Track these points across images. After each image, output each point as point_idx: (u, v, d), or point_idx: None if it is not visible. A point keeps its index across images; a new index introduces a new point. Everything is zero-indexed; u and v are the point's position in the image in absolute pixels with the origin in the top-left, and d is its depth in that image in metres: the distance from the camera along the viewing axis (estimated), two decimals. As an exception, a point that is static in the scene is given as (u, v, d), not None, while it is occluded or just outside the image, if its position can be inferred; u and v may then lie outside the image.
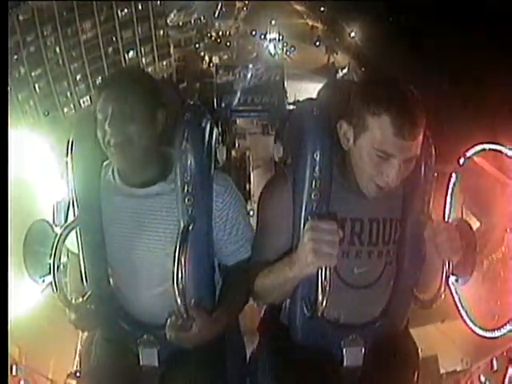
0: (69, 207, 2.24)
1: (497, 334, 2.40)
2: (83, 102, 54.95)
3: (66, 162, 2.19)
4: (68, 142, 2.17)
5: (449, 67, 41.39)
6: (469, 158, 2.42)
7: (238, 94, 22.95)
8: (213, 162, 2.26)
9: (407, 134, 1.90)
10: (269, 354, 2.52)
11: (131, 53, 59.31)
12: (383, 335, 2.37)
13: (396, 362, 2.39)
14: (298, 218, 2.17)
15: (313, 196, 2.13)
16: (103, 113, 2.02)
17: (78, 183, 2.19)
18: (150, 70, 60.31)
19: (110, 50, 57.38)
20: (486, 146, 2.37)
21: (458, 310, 2.55)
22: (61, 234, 2.12)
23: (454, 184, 2.46)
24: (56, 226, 2.29)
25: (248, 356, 2.73)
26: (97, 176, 2.23)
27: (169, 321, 2.02)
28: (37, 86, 49.89)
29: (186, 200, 2.15)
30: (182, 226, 2.14)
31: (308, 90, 54.38)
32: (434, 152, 2.24)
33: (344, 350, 2.33)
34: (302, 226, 2.12)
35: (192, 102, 2.32)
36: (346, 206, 2.18)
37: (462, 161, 2.43)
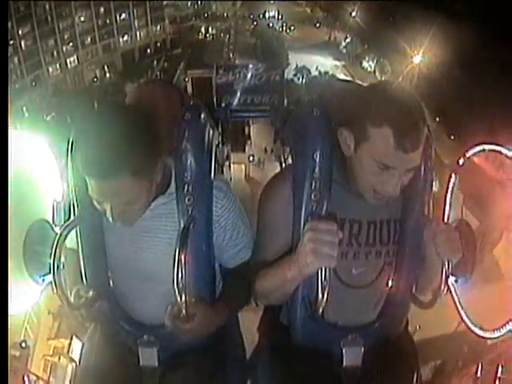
0: (69, 207, 2.27)
1: (497, 334, 2.45)
2: (70, 63, 55.32)
3: (67, 162, 2.22)
4: (68, 141, 2.18)
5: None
6: (468, 158, 2.49)
7: (238, 94, 23.02)
8: (213, 162, 2.30)
9: (409, 147, 1.94)
10: (269, 354, 2.58)
11: (123, 15, 59.36)
12: (382, 335, 2.44)
13: (395, 362, 2.46)
14: (297, 219, 2.23)
15: (312, 197, 2.19)
16: (98, 199, 2.00)
17: (78, 183, 2.20)
18: (142, 33, 60.55)
19: (102, 10, 57.45)
20: (486, 147, 2.43)
21: (458, 311, 2.62)
22: (61, 234, 2.15)
23: (454, 184, 2.54)
24: (56, 225, 2.34)
25: (248, 356, 2.77)
26: None
27: (169, 308, 2.05)
28: (23, 43, 49.76)
29: (186, 200, 2.20)
30: (181, 225, 2.19)
31: (310, 61, 54.52)
32: (433, 153, 2.29)
33: (343, 350, 2.39)
34: (301, 226, 2.18)
35: (192, 103, 2.37)
36: (345, 207, 2.24)
37: (461, 161, 2.49)
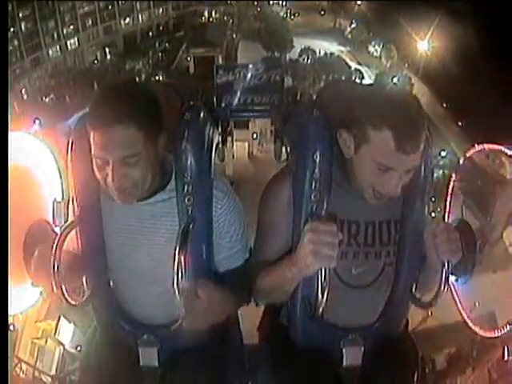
0: (69, 207, 2.30)
1: (497, 334, 2.50)
2: (70, 45, 55.05)
3: (67, 162, 2.24)
4: (68, 141, 2.22)
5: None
6: (469, 157, 2.51)
7: (238, 94, 23.17)
8: (213, 162, 2.33)
9: (409, 148, 1.97)
10: (269, 354, 2.61)
11: (125, -3, 59.16)
12: (382, 335, 2.46)
13: (395, 362, 2.48)
14: (297, 219, 2.25)
15: (312, 197, 2.21)
16: (101, 159, 2.01)
17: (78, 183, 2.24)
18: (144, 16, 60.24)
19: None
20: (486, 146, 2.45)
21: (458, 310, 2.64)
22: (61, 234, 2.17)
23: (454, 184, 2.56)
24: (56, 225, 2.34)
25: (248, 356, 2.79)
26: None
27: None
28: (23, 25, 49.74)
29: (186, 200, 2.22)
30: (182, 226, 2.20)
31: (315, 46, 54.39)
32: (433, 152, 2.32)
33: (343, 350, 2.42)
34: (301, 226, 2.18)
35: (192, 103, 2.39)
36: (344, 208, 2.26)
37: (461, 160, 2.52)
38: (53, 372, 11.54)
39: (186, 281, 2.02)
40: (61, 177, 2.41)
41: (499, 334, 2.50)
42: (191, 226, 2.20)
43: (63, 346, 11.47)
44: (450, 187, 2.56)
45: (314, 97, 2.58)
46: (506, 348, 5.39)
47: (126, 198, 2.12)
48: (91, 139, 1.99)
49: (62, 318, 11.55)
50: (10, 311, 2.26)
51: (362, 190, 2.17)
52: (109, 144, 1.97)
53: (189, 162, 2.23)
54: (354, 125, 2.07)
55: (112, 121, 1.94)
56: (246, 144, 35.51)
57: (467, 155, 2.51)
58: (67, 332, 11.63)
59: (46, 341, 12.24)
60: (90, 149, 2.03)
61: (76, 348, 11.04)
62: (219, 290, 2.15)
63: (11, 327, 11.07)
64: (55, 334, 11.72)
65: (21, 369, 10.49)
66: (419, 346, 2.66)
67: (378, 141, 2.00)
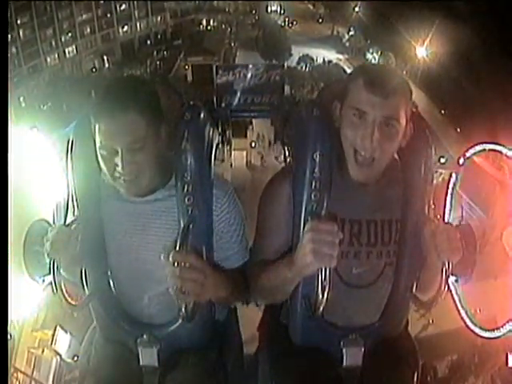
0: (68, 207, 2.28)
1: (497, 333, 2.49)
2: (68, 53, 55.29)
3: (66, 162, 2.26)
4: (68, 141, 2.24)
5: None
6: (469, 158, 2.51)
7: (238, 94, 23.39)
8: (213, 162, 2.34)
9: (378, 89, 2.07)
10: (269, 354, 2.62)
11: (124, 6, 59.33)
12: (383, 335, 2.47)
13: (395, 362, 2.48)
14: (297, 219, 2.26)
15: (312, 197, 2.22)
16: (108, 149, 2.07)
17: (78, 183, 2.26)
18: (142, 24, 60.44)
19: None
20: (486, 146, 2.45)
21: (458, 311, 2.64)
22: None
23: (454, 184, 2.56)
24: None
25: (248, 356, 2.80)
26: (97, 176, 2.28)
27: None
28: (21, 32, 49.99)
29: (186, 200, 2.23)
30: (181, 225, 2.22)
31: (312, 54, 54.67)
32: (433, 152, 2.34)
33: (343, 350, 2.42)
34: (301, 226, 2.21)
35: (192, 103, 2.40)
36: (345, 207, 2.27)
37: (461, 161, 2.52)
38: (50, 382, 11.43)
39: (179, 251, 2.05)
40: (61, 177, 2.40)
41: (498, 334, 2.50)
42: (191, 225, 2.21)
43: (60, 356, 11.38)
44: (450, 187, 2.56)
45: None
46: (509, 354, 5.38)
47: (135, 189, 2.18)
48: (96, 132, 2.05)
49: (58, 327, 11.48)
50: (11, 312, 2.25)
51: (347, 159, 2.21)
52: (114, 131, 2.03)
53: (189, 162, 2.24)
54: (340, 91, 2.22)
55: (115, 109, 2.02)
56: (244, 153, 35.41)
57: (467, 155, 2.51)
58: (64, 342, 11.54)
59: (43, 350, 12.14)
60: (90, 148, 2.09)
61: (73, 358, 10.97)
62: (215, 268, 2.22)
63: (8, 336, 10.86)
64: (52, 343, 11.63)
65: (17, 378, 10.39)
66: (420, 354, 2.66)
67: (353, 89, 2.14)
